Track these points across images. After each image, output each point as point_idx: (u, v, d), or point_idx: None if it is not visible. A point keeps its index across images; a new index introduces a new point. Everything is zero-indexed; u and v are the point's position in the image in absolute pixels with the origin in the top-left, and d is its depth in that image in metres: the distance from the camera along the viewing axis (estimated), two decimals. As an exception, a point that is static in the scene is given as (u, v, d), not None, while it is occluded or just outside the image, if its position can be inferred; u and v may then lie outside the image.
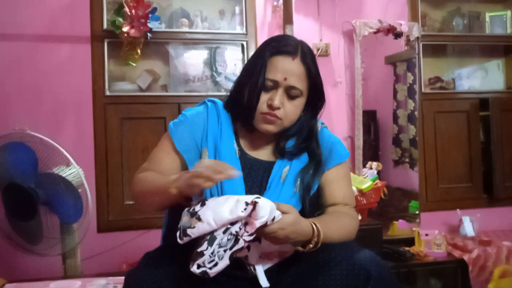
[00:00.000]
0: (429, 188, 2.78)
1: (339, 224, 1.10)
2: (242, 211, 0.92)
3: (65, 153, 1.79)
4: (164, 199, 1.02)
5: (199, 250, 0.92)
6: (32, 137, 1.81)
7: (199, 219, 0.94)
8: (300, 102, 1.13)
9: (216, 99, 1.21)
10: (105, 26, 2.38)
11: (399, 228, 2.68)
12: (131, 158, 2.39)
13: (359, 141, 2.65)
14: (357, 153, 2.65)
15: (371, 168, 2.55)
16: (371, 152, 2.83)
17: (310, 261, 1.01)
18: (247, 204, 0.93)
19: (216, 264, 0.92)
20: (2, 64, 2.30)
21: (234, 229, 0.94)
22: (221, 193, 1.08)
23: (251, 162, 1.15)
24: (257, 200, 0.92)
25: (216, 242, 0.93)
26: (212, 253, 0.92)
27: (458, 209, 2.69)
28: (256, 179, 1.13)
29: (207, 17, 2.60)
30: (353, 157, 2.67)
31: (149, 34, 2.33)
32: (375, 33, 2.66)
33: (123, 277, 1.01)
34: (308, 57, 1.12)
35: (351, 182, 1.27)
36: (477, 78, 3.05)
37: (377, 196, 2.40)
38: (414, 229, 2.60)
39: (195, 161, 1.12)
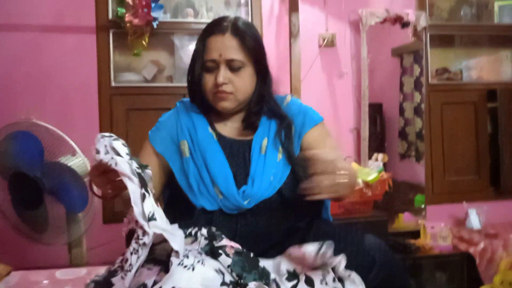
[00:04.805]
0: (435, 180, 2.76)
1: None
2: None
3: (71, 142, 1.80)
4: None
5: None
6: (38, 126, 1.81)
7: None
8: (246, 73, 1.17)
9: (184, 98, 1.29)
10: (110, 16, 2.37)
11: (405, 221, 2.67)
12: (136, 149, 2.34)
13: (365, 133, 2.63)
14: (363, 145, 2.63)
15: (376, 160, 2.53)
16: (377, 145, 2.81)
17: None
18: None
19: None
20: (8, 54, 2.31)
21: None
22: (208, 175, 1.13)
23: (230, 142, 1.20)
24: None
25: None
26: None
27: (464, 202, 2.67)
28: (238, 157, 1.18)
29: (212, 7, 2.58)
30: (359, 149, 2.65)
31: (155, 24, 2.31)
32: (381, 22, 2.63)
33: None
34: (240, 29, 1.16)
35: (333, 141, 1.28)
36: (485, 68, 3.01)
37: (382, 188, 2.39)
38: (419, 221, 2.59)
39: (175, 156, 1.20)
